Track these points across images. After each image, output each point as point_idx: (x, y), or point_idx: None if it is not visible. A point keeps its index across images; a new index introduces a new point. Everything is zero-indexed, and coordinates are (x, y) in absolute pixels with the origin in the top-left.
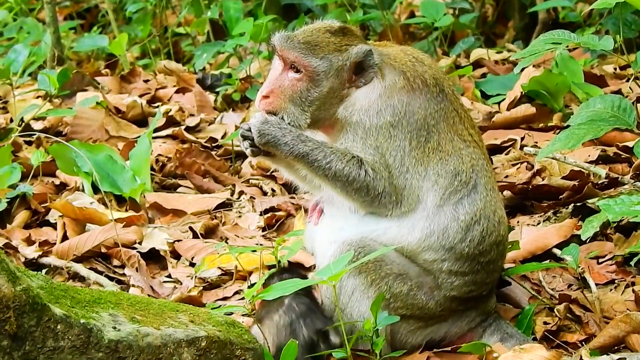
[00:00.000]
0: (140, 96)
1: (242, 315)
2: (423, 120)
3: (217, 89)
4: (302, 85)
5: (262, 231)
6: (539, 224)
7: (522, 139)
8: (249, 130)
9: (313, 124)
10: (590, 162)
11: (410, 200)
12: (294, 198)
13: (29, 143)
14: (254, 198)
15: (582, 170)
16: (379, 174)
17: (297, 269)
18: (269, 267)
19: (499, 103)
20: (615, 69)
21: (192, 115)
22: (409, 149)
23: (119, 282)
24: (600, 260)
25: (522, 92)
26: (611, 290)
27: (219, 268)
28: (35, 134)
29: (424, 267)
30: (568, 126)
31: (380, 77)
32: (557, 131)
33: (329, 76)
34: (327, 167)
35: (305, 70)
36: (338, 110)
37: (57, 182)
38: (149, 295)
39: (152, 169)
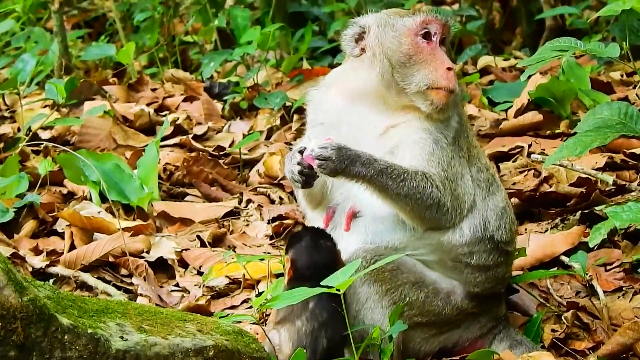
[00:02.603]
0: (148, 105)
1: (250, 324)
2: (460, 122)
3: (225, 97)
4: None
5: (270, 239)
6: (546, 231)
7: (530, 146)
8: (325, 156)
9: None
10: (598, 169)
11: (468, 206)
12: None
13: (37, 152)
14: (262, 206)
15: (590, 177)
16: (447, 189)
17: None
18: (277, 276)
19: (506, 110)
20: (622, 75)
21: (199, 123)
22: (457, 154)
23: (126, 291)
24: (608, 267)
25: (529, 99)
26: (619, 297)
27: (227, 277)
28: (42, 143)
29: (449, 266)
30: (575, 133)
31: None
32: (564, 138)
33: None
34: (400, 187)
35: (447, 40)
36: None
37: (65, 191)
38: (156, 305)
39: (159, 177)
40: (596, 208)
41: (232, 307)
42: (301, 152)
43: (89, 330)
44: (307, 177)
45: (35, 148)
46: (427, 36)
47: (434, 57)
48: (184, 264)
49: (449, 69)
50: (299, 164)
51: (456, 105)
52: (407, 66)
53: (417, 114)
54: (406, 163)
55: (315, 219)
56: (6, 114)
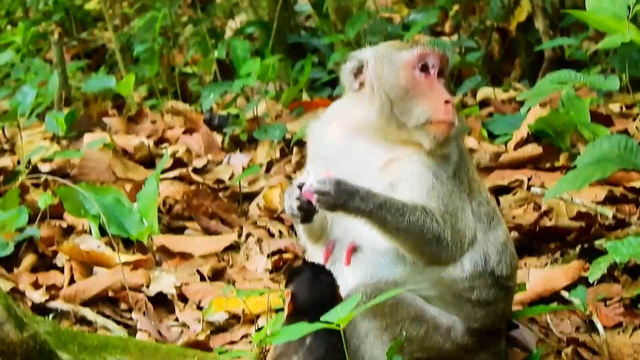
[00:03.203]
0: (148, 137)
1: (250, 359)
2: (460, 156)
3: (225, 130)
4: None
5: (270, 273)
6: (546, 265)
7: (529, 179)
8: (324, 191)
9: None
10: (598, 203)
11: (469, 240)
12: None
13: (37, 185)
14: (262, 240)
15: (590, 211)
16: (447, 223)
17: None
18: (277, 311)
19: (505, 143)
20: (621, 107)
21: (199, 156)
22: (458, 188)
23: (126, 326)
24: (608, 302)
25: (528, 132)
26: (619, 333)
27: (227, 311)
28: (42, 176)
29: (449, 302)
30: (575, 166)
31: None
32: (564, 171)
33: None
34: (399, 221)
35: (445, 72)
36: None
37: (65, 224)
38: (156, 340)
39: (159, 210)
40: (596, 242)
41: (232, 343)
42: (300, 187)
43: None
44: (307, 212)
45: (35, 181)
46: (425, 69)
47: (432, 90)
48: (183, 299)
49: (447, 102)
50: (297, 199)
51: (456, 139)
52: (405, 100)
53: (417, 147)
54: (406, 197)
55: (315, 253)
56: (6, 146)
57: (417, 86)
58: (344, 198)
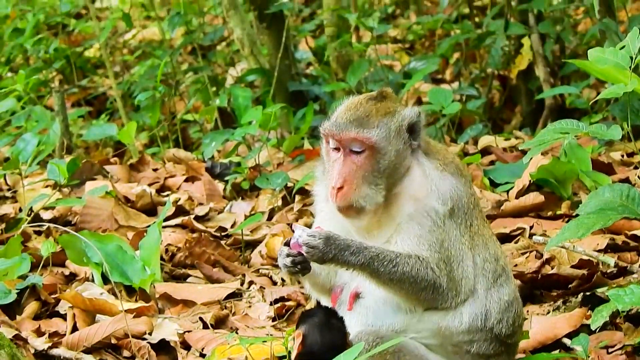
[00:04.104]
0: (150, 185)
1: None
2: (467, 204)
3: (226, 178)
4: (370, 162)
5: (272, 321)
6: (548, 313)
7: (531, 227)
8: (313, 245)
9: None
10: (599, 251)
11: (466, 290)
12: (304, 288)
13: (39, 233)
14: (264, 288)
15: (591, 259)
16: (442, 270)
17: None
18: (280, 358)
19: (507, 191)
20: (622, 156)
21: (201, 204)
22: (460, 235)
23: None
24: (610, 349)
25: (530, 180)
26: None
27: (229, 359)
28: (44, 224)
29: (449, 351)
30: (577, 215)
31: (422, 160)
32: (566, 219)
33: (391, 139)
34: (393, 272)
35: (368, 145)
36: (404, 181)
37: (67, 272)
38: None
39: (161, 258)
40: (598, 290)
41: None
42: (287, 244)
43: None
44: (302, 264)
45: (37, 229)
46: (335, 147)
47: (332, 171)
48: (186, 346)
49: (333, 187)
50: (288, 255)
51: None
52: None
53: (403, 201)
54: (399, 248)
55: (321, 300)
56: (8, 194)
57: (328, 160)
58: (334, 252)
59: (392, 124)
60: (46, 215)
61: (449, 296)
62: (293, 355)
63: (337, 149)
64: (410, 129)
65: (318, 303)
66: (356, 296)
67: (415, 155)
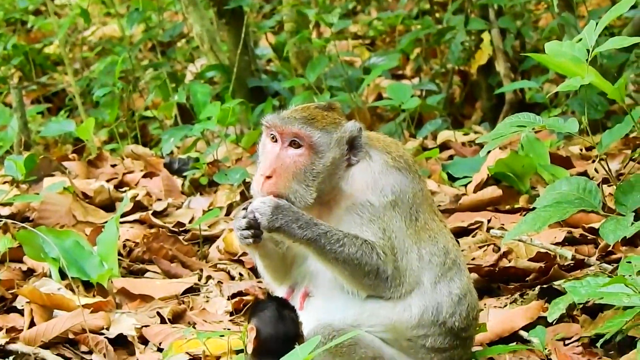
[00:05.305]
0: (108, 181)
1: None
2: (412, 199)
3: (185, 173)
4: (306, 160)
5: (230, 316)
6: (505, 306)
7: (489, 221)
8: (255, 217)
9: (316, 200)
10: (557, 244)
11: (410, 281)
12: (262, 282)
13: None
14: (222, 282)
15: (549, 252)
16: (388, 256)
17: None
18: (237, 352)
19: (465, 185)
20: (581, 150)
21: (159, 199)
22: (405, 228)
23: None
24: (567, 342)
25: (488, 174)
26: None
27: (187, 353)
28: (2, 220)
29: (404, 346)
30: (534, 208)
31: (369, 156)
32: (524, 213)
33: (331, 147)
34: (339, 251)
35: (308, 143)
36: (340, 185)
37: (25, 268)
38: None
39: (119, 254)
40: (555, 283)
41: None
42: (245, 209)
43: None
44: (254, 229)
45: None
46: (273, 138)
47: (264, 161)
48: (144, 341)
49: (261, 175)
50: (244, 217)
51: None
52: None
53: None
54: (351, 227)
55: (279, 293)
56: None
57: (263, 152)
58: (281, 222)
59: (335, 133)
60: (4, 211)
61: (392, 285)
62: (249, 350)
63: (275, 140)
64: (351, 142)
65: (268, 294)
66: (306, 295)
67: (364, 152)
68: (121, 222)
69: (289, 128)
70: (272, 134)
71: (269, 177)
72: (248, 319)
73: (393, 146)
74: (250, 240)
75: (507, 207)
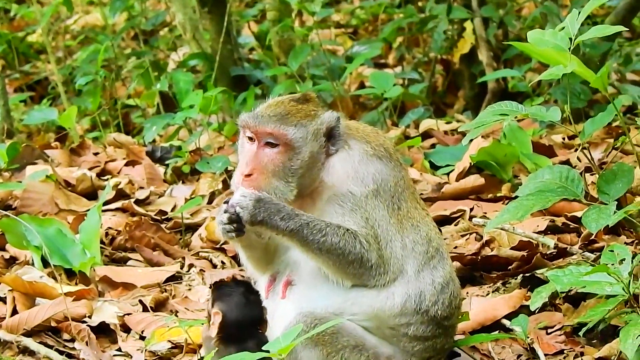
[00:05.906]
0: (90, 169)
1: None
2: (394, 187)
3: (167, 162)
4: (283, 157)
5: None
6: (488, 294)
7: (471, 209)
8: (236, 211)
9: (297, 194)
10: (539, 233)
11: (394, 269)
12: (244, 270)
13: None
14: (204, 271)
15: (531, 240)
16: (371, 245)
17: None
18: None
19: (448, 174)
20: (563, 138)
21: (141, 188)
22: (388, 217)
23: (69, 356)
24: (550, 330)
25: (471, 163)
26: None
27: (169, 341)
28: None
29: (387, 334)
30: (517, 197)
31: (348, 146)
32: (506, 202)
33: (308, 141)
34: (322, 241)
35: (283, 141)
36: (321, 176)
37: (7, 256)
38: None
39: (101, 242)
40: (537, 271)
41: None
42: (227, 202)
43: None
44: (237, 223)
45: None
46: (250, 138)
47: (243, 160)
48: (126, 329)
49: (241, 174)
50: (226, 211)
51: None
52: None
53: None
54: (334, 217)
55: (262, 284)
56: None
57: (242, 152)
58: (263, 215)
59: (310, 126)
60: None
61: (377, 273)
62: (213, 334)
63: (252, 139)
64: (329, 133)
65: (233, 277)
66: (288, 284)
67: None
68: (103, 210)
69: (263, 128)
70: (248, 135)
71: (249, 175)
72: (212, 303)
73: (373, 135)
74: (233, 234)
75: (490, 195)
